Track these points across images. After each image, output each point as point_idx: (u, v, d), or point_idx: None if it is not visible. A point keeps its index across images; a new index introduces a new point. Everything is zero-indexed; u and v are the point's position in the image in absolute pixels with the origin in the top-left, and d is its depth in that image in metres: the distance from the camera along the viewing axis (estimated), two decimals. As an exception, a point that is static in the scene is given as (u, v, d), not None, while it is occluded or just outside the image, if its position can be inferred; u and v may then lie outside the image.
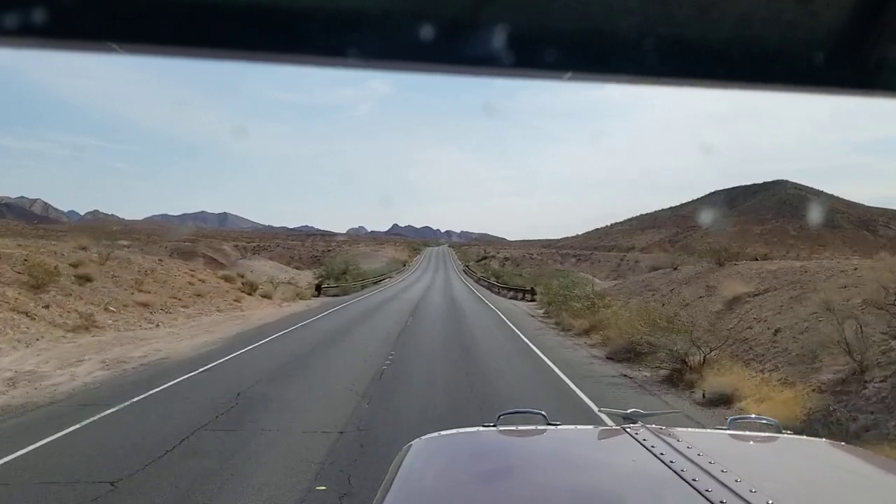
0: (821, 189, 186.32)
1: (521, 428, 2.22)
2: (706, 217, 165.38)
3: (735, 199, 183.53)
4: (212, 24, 0.63)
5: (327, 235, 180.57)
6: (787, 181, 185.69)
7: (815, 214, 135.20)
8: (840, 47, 0.71)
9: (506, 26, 0.65)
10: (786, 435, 2.21)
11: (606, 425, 2.22)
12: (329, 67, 0.67)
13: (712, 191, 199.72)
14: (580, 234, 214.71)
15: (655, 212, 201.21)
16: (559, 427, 2.24)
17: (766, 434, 2.23)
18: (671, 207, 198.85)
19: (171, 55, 0.64)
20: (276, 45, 0.65)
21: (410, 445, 2.04)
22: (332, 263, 49.16)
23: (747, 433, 2.21)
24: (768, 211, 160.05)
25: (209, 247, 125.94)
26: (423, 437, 2.11)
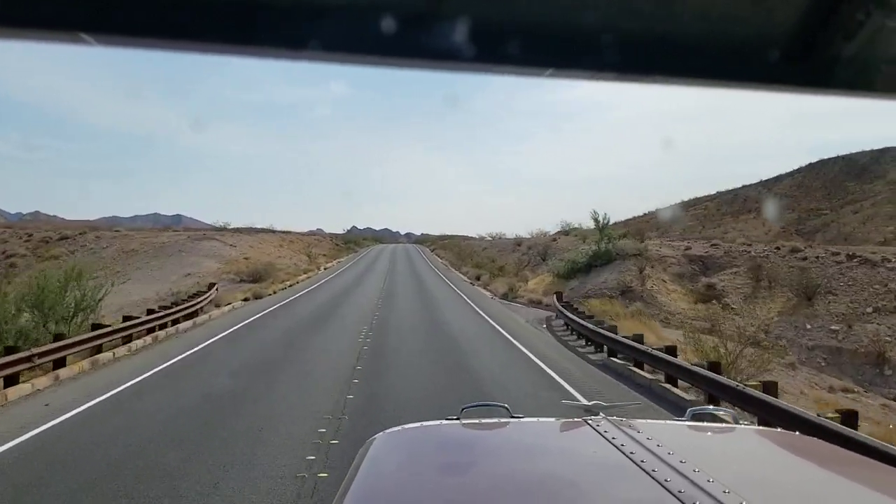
0: None
1: (483, 421, 2.22)
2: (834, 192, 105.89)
3: (866, 169, 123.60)
4: (168, 13, 0.60)
5: (273, 233, 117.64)
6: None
7: None
8: (795, 45, 0.70)
9: (468, 19, 0.64)
10: (743, 426, 2.36)
11: (569, 417, 2.20)
12: (290, 60, 0.65)
13: (821, 158, 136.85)
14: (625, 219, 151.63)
15: (730, 190, 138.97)
16: (521, 420, 2.23)
17: (724, 425, 2.33)
18: (760, 182, 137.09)
19: (133, 46, 0.62)
20: (235, 37, 0.62)
21: (374, 439, 2.05)
22: None
23: (706, 424, 2.28)
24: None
25: None
26: (386, 431, 2.11)
